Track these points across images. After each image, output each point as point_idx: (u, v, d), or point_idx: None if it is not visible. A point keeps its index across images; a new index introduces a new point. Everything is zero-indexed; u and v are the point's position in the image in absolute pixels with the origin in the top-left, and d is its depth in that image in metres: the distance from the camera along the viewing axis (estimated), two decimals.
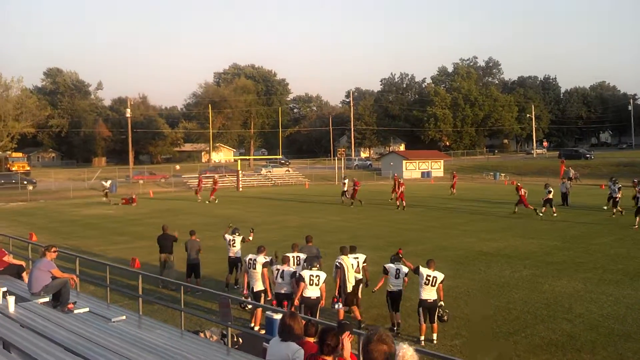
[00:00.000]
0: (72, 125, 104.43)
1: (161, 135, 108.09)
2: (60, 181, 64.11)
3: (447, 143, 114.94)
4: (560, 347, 11.33)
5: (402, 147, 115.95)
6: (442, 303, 12.07)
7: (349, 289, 12.93)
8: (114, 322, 10.82)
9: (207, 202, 43.75)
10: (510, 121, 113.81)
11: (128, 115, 73.88)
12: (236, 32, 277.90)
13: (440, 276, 11.99)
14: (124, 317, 11.18)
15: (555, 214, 30.83)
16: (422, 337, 11.77)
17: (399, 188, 36.54)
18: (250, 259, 13.57)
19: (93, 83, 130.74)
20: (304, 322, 7.06)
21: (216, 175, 54.87)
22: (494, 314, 13.63)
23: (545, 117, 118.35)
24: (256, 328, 12.80)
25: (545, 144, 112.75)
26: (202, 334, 11.88)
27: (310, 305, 11.76)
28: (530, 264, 19.10)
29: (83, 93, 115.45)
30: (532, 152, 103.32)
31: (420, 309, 11.91)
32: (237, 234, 16.60)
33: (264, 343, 8.52)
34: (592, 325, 12.60)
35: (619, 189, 30.95)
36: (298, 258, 13.75)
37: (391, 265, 12.73)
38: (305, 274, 12.06)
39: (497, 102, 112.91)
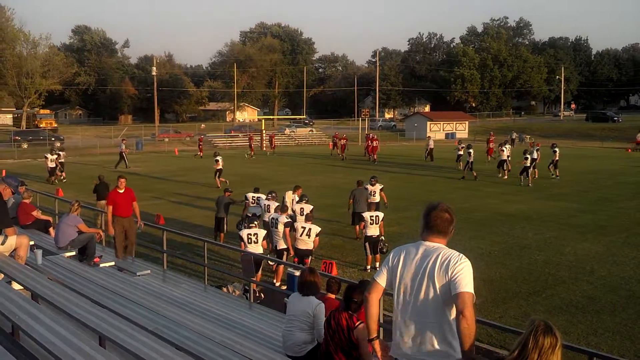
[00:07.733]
0: (99, 83, 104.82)
1: (186, 94, 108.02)
2: (87, 138, 64.79)
3: (473, 104, 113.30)
4: (580, 308, 11.37)
5: (427, 108, 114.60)
6: (382, 237, 14.35)
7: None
8: (139, 275, 11.08)
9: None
10: (539, 83, 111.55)
11: (154, 73, 74.22)
12: None
13: (380, 215, 14.34)
14: (148, 272, 11.44)
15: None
16: (369, 266, 14.06)
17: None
18: (272, 218, 13.79)
19: (120, 41, 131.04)
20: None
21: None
22: (514, 274, 13.67)
23: (574, 79, 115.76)
24: (277, 284, 13.03)
25: (573, 106, 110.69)
26: (225, 289, 12.15)
27: (257, 261, 12.24)
28: (553, 226, 19.04)
29: (110, 51, 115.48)
30: (560, 114, 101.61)
31: (367, 244, 14.18)
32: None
33: (285, 298, 8.66)
34: (613, 287, 12.60)
35: None
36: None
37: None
38: (244, 233, 12.50)
39: (527, 64, 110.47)
